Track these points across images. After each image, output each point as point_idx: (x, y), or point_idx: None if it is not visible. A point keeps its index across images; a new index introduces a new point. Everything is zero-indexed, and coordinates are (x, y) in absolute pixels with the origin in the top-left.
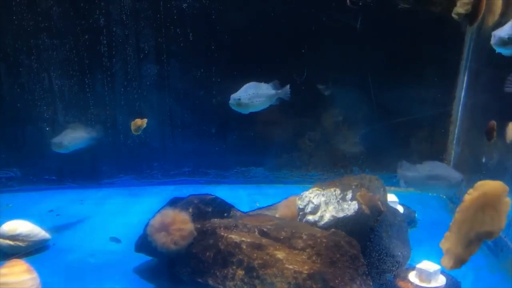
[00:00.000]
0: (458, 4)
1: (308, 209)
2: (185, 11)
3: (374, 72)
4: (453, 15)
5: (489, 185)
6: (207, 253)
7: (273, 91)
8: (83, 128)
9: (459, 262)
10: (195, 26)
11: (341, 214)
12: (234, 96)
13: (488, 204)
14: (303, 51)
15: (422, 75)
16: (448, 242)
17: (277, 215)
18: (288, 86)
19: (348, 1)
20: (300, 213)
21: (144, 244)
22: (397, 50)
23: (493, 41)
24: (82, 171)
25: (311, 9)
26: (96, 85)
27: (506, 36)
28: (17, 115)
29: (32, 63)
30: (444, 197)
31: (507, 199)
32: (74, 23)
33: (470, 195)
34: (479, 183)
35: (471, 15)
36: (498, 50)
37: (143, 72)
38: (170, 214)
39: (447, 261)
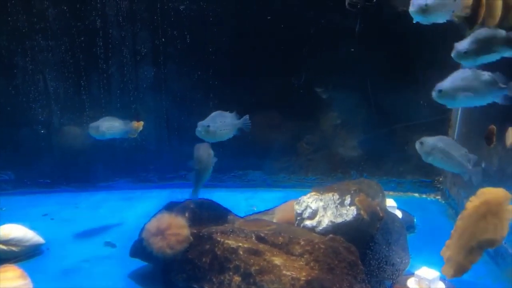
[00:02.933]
0: None
1: (306, 214)
2: (182, 13)
3: (373, 76)
4: (453, 18)
5: (491, 193)
6: (203, 259)
7: (236, 121)
8: (120, 120)
9: (461, 270)
10: (192, 29)
11: (339, 220)
12: (203, 123)
13: (490, 212)
14: (301, 54)
15: (422, 79)
16: (449, 250)
17: (274, 220)
18: (247, 116)
19: (346, 3)
20: (298, 218)
21: (140, 249)
22: (396, 54)
23: (453, 53)
24: (77, 174)
25: (310, 11)
26: (92, 87)
27: (463, 50)
28: (12, 117)
29: (27, 64)
30: (443, 202)
31: (510, 206)
32: (69, 25)
33: (472, 203)
34: (481, 190)
35: (471, 19)
36: (458, 61)
37: (140, 74)
38: (166, 218)
39: (448, 270)
